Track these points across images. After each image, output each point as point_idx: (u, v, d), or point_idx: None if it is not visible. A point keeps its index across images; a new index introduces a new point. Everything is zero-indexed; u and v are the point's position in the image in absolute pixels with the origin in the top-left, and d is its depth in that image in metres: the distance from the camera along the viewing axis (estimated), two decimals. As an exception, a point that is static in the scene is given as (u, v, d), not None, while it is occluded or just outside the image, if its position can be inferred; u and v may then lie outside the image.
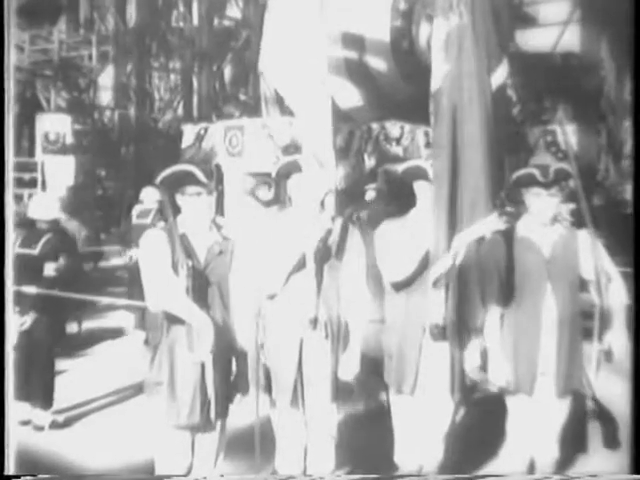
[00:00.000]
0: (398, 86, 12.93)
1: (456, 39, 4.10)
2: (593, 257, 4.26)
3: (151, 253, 3.88)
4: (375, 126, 13.05)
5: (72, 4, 18.54)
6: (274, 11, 4.48)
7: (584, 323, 4.38)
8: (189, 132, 13.12)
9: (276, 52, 4.46)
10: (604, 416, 4.23)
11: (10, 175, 4.91)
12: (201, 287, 3.85)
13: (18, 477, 4.67)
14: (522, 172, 4.39)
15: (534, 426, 4.35)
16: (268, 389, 4.32)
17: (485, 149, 4.31)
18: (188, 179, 3.84)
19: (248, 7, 17.18)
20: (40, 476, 4.81)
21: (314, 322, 4.24)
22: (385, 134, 13.17)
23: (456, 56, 4.12)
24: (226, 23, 17.65)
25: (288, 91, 4.58)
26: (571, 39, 14.13)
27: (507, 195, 4.56)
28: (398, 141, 13.20)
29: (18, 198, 12.21)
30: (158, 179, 3.87)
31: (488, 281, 4.34)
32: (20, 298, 6.15)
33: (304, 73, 4.43)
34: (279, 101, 13.86)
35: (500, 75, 4.35)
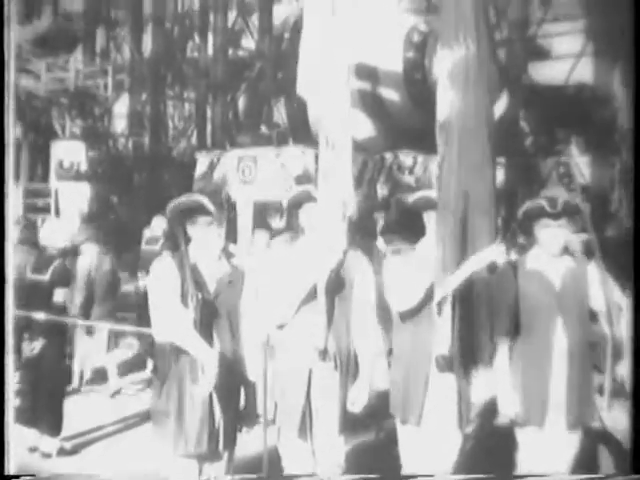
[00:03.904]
0: (411, 116, 12.99)
1: (462, 70, 4.13)
2: (603, 289, 4.24)
3: (160, 283, 3.88)
4: (388, 156, 13.10)
5: (89, 34, 18.77)
6: (306, 40, 4.51)
7: (594, 354, 4.35)
8: (202, 160, 13.22)
9: (308, 79, 4.49)
10: (615, 447, 4.18)
11: (12, 201, 4.92)
12: (210, 318, 3.85)
13: (18, 477, 4.66)
14: (531, 204, 4.38)
15: (544, 458, 4.30)
16: (276, 419, 4.30)
17: (494, 179, 4.31)
18: (199, 209, 3.85)
19: (263, 38, 17.34)
20: (40, 476, 4.80)
21: (323, 353, 4.22)
22: (398, 164, 13.22)
23: (463, 86, 4.14)
24: (241, 54, 17.81)
25: (315, 119, 4.59)
26: (584, 71, 14.16)
27: (517, 226, 4.55)
28: (411, 171, 13.24)
29: (31, 224, 12.26)
30: (169, 208, 3.89)
31: (497, 312, 4.32)
32: (29, 324, 6.17)
33: (330, 103, 4.45)
34: (294, 130, 13.95)
35: (501, 105, 4.39)
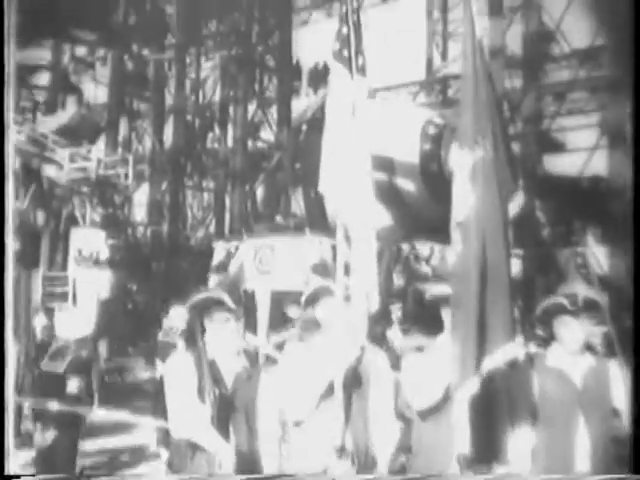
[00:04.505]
0: (427, 206, 13.09)
1: (480, 170, 4.19)
2: (625, 385, 4.17)
3: (177, 378, 3.86)
4: (405, 246, 13.15)
5: (112, 125, 19.28)
6: (328, 134, 4.60)
7: (617, 451, 4.25)
8: (220, 249, 13.31)
9: (331, 174, 4.56)
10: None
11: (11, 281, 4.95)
12: (227, 413, 3.82)
13: (18, 477, 4.55)
14: (551, 301, 4.35)
15: None
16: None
17: (510, 274, 4.29)
18: (217, 304, 3.86)
19: (281, 130, 17.73)
20: (40, 476, 4.69)
21: (341, 451, 4.14)
22: (415, 254, 13.27)
23: (480, 186, 4.19)
24: (259, 145, 18.18)
25: (338, 212, 4.63)
26: (599, 164, 14.31)
27: (537, 320, 4.52)
28: (427, 261, 13.27)
29: (49, 312, 12.31)
30: (187, 304, 3.90)
31: (517, 408, 4.25)
32: (42, 414, 6.13)
33: (350, 196, 4.50)
34: (311, 220, 14.08)
35: (518, 202, 4.41)
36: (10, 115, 4.89)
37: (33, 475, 4.72)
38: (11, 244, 4.69)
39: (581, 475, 4.28)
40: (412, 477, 4.38)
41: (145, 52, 19.17)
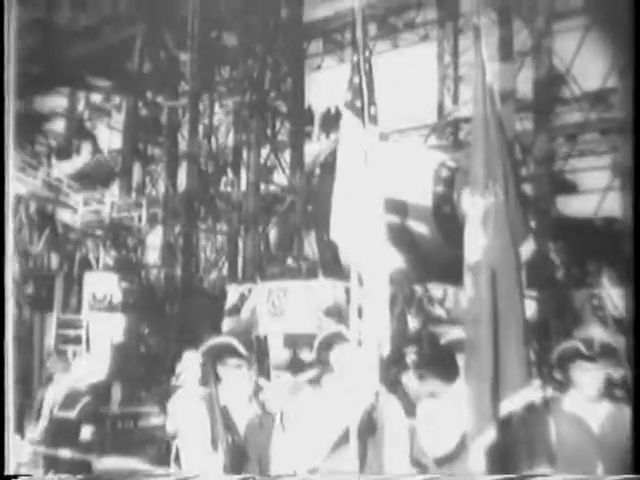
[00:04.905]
0: (440, 249, 13.09)
1: (492, 215, 4.20)
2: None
3: (190, 425, 3.83)
4: (418, 288, 13.10)
5: (125, 169, 19.44)
6: (340, 180, 4.61)
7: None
8: (233, 292, 13.31)
9: (342, 220, 4.57)
10: None
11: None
12: (240, 461, 3.78)
13: (18, 477, 4.49)
14: (567, 345, 4.31)
15: None
16: None
17: (524, 316, 4.27)
18: (229, 351, 3.85)
19: (294, 174, 17.85)
20: (40, 476, 4.62)
21: (356, 499, 4.08)
22: (428, 296, 13.20)
23: (492, 231, 4.20)
24: (272, 188, 18.28)
25: (351, 257, 4.63)
26: (613, 205, 14.28)
27: (554, 364, 4.47)
28: (441, 303, 13.21)
29: (62, 355, 12.29)
30: (200, 349, 3.89)
31: (535, 455, 4.18)
32: (55, 462, 6.08)
33: (365, 240, 4.50)
34: (324, 263, 14.08)
35: (530, 246, 4.42)
36: (10, 170, 4.95)
37: (33, 475, 4.67)
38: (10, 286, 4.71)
39: (582, 475, 4.22)
40: (408, 475, 4.31)
41: (159, 99, 19.41)
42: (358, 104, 4.54)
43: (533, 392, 4.18)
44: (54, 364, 7.42)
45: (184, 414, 3.93)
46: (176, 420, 4.08)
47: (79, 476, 5.40)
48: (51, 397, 6.57)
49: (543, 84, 15.44)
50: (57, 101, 21.47)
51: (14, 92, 5.06)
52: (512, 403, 4.12)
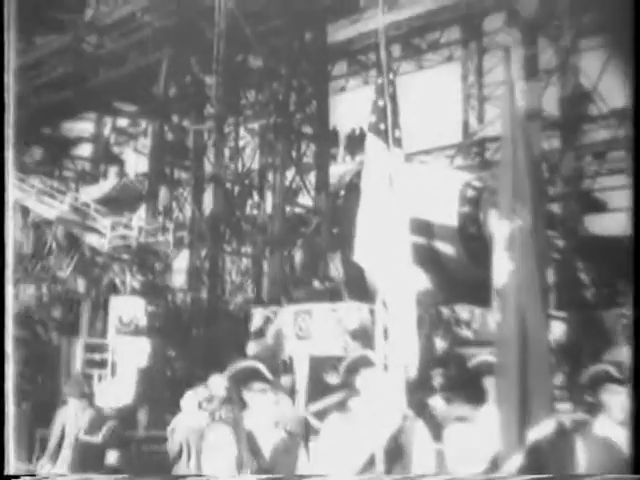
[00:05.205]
0: (467, 270, 13.00)
1: (519, 239, 4.18)
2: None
3: (215, 450, 3.79)
4: (445, 310, 12.99)
5: (152, 194, 19.56)
6: (365, 202, 4.59)
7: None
8: (259, 315, 13.28)
9: (368, 241, 4.54)
10: None
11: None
12: (266, 487, 3.72)
13: (18, 477, 4.46)
14: (597, 368, 4.22)
15: None
16: None
17: (550, 341, 4.22)
18: (255, 375, 3.81)
19: (319, 195, 17.84)
20: (40, 476, 4.59)
21: (383, 526, 4.00)
22: (455, 317, 13.09)
23: (518, 255, 4.18)
24: (298, 210, 18.29)
25: (377, 278, 4.59)
26: (642, 223, 14.08)
27: (584, 387, 4.38)
28: (468, 324, 13.08)
29: (88, 378, 12.31)
30: (226, 373, 3.85)
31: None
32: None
33: (390, 261, 4.46)
34: (349, 285, 14.03)
35: (555, 271, 4.43)
36: (10, 204, 4.99)
37: (33, 475, 4.65)
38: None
39: (581, 475, 4.13)
40: (408, 475, 4.22)
41: (185, 123, 19.55)
42: (382, 127, 4.52)
43: (562, 415, 4.11)
44: (71, 388, 7.41)
45: (210, 439, 3.88)
46: (202, 444, 4.02)
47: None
48: (72, 421, 6.53)
49: (569, 102, 15.34)
50: (84, 126, 21.71)
51: (13, 98, 5.10)
52: (541, 428, 4.05)
